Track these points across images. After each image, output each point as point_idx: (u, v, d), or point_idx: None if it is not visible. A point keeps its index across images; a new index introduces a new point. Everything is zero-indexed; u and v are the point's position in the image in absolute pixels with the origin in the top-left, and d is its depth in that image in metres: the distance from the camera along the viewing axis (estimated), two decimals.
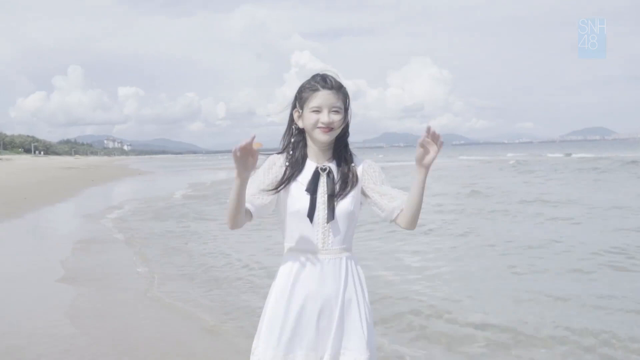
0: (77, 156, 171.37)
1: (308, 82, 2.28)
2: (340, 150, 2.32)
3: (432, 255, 8.68)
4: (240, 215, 2.16)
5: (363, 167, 2.33)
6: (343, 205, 2.24)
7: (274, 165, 2.29)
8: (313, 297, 2.22)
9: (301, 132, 2.32)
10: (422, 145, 2.10)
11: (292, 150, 2.31)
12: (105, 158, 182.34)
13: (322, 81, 2.25)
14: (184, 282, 7.06)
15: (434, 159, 2.12)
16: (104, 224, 12.56)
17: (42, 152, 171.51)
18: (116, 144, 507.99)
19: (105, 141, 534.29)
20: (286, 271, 2.28)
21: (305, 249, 2.26)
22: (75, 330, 5.16)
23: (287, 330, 2.21)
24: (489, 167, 40.30)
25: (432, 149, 2.11)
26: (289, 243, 2.30)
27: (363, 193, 2.31)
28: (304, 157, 2.31)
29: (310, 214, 2.21)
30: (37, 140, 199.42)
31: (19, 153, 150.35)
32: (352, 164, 2.32)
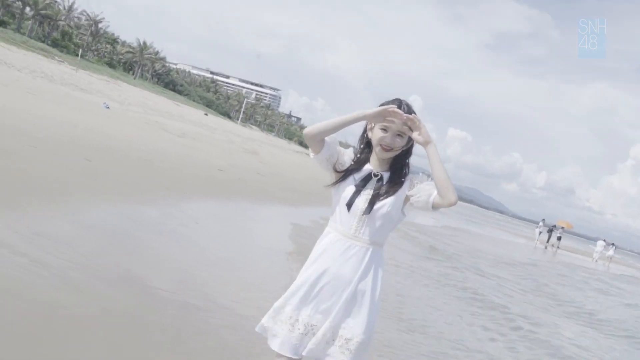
0: None
1: (387, 102, 2.62)
2: (398, 164, 2.68)
3: None
4: (325, 135, 2.59)
5: (410, 179, 2.66)
6: (382, 205, 2.57)
7: (346, 155, 2.71)
8: (330, 274, 2.56)
9: (370, 141, 2.69)
10: (409, 127, 2.53)
11: (359, 154, 2.72)
12: None
13: (399, 106, 2.57)
14: None
15: (425, 132, 2.51)
16: None
17: None
18: (429, 180, 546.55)
19: (421, 174, 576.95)
20: (320, 242, 2.69)
21: (340, 230, 2.62)
22: None
23: (300, 291, 2.59)
24: None
25: (415, 126, 2.52)
26: (331, 219, 2.70)
27: (406, 201, 2.63)
28: (365, 161, 2.70)
29: (349, 204, 2.59)
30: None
31: None
32: (403, 179, 2.65)
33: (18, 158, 7.69)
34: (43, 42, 73.73)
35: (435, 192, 2.53)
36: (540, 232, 40.74)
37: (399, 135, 2.56)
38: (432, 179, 2.55)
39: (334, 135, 2.62)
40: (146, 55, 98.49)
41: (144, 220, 7.46)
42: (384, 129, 2.55)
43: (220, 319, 4.69)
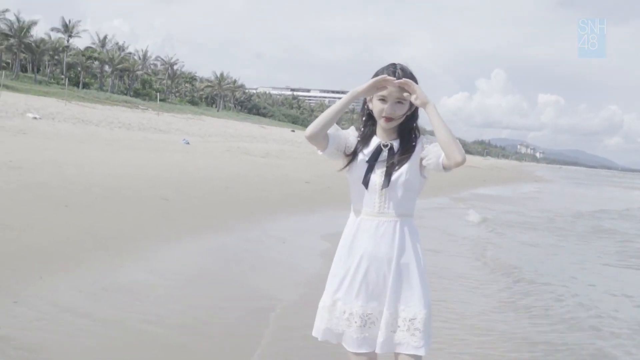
0: (487, 157, 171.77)
1: (382, 69, 2.51)
2: (406, 130, 2.56)
3: None
4: (326, 130, 2.49)
5: (421, 142, 2.55)
6: (399, 175, 2.48)
7: (351, 136, 2.61)
8: (368, 257, 2.49)
9: (372, 113, 2.58)
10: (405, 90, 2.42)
11: (362, 127, 2.62)
12: (514, 162, 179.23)
13: (392, 73, 2.46)
14: None
15: (421, 94, 2.40)
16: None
17: None
18: (529, 150, 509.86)
19: (519, 146, 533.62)
20: (347, 230, 2.60)
21: (364, 211, 2.54)
22: None
23: (345, 283, 2.51)
24: None
25: (411, 90, 2.42)
26: (353, 205, 2.60)
27: (421, 164, 2.52)
28: (371, 134, 2.59)
29: (365, 182, 2.50)
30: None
31: None
32: (414, 143, 2.54)
33: (87, 210, 7.52)
34: (125, 94, 77.76)
35: (442, 153, 2.42)
36: None
37: (398, 102, 2.46)
38: None
39: (334, 129, 2.55)
40: (225, 86, 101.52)
41: (224, 251, 7.03)
42: (382, 99, 2.46)
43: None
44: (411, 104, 2.48)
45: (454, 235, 10.74)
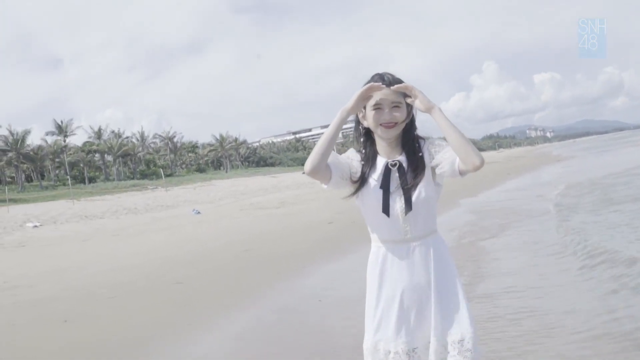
0: (500, 149, 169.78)
1: (367, 82, 2.35)
2: (409, 142, 2.39)
3: None
4: (325, 160, 2.28)
5: (428, 149, 2.37)
6: (418, 194, 2.31)
7: (354, 160, 2.43)
8: (404, 287, 2.32)
9: (368, 131, 2.41)
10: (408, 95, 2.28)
11: (363, 149, 2.44)
12: (528, 148, 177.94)
13: (380, 79, 2.32)
14: None
15: (424, 98, 2.24)
16: None
17: None
18: (538, 132, 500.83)
19: (527, 131, 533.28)
20: (373, 260, 2.42)
21: (390, 240, 2.37)
22: None
23: (383, 321, 2.34)
24: None
25: (412, 94, 2.26)
26: (374, 234, 2.43)
27: (433, 172, 2.35)
28: (374, 154, 2.41)
29: (386, 210, 2.31)
30: None
31: None
32: (420, 154, 2.36)
33: (89, 321, 6.45)
34: (132, 178, 77.76)
35: (457, 158, 2.23)
36: None
37: (395, 107, 2.31)
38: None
39: (334, 157, 2.35)
40: (227, 146, 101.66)
41: (254, 331, 5.86)
42: (378, 107, 2.31)
43: None
44: (409, 111, 2.36)
45: (540, 238, 9.50)
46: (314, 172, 2.27)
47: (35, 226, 25.11)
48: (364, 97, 2.29)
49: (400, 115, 2.32)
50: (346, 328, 5.31)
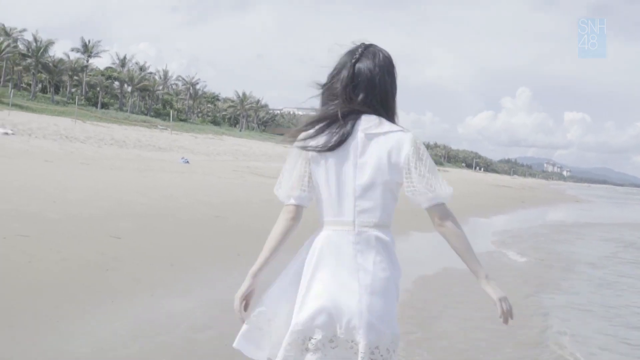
0: (514, 176, 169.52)
1: (351, 50, 2.25)
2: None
3: None
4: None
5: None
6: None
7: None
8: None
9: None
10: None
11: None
12: (542, 181, 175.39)
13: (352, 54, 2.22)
14: None
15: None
16: None
17: (481, 169, 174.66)
18: (555, 168, 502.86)
19: (545, 164, 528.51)
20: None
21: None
22: None
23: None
24: None
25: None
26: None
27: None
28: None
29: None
30: (479, 157, 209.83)
31: (460, 167, 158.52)
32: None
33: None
34: (146, 114, 76.53)
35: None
36: None
37: None
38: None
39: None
40: (247, 106, 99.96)
41: (157, 327, 4.55)
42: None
43: None
44: None
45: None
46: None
47: (6, 134, 23.52)
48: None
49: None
50: None
